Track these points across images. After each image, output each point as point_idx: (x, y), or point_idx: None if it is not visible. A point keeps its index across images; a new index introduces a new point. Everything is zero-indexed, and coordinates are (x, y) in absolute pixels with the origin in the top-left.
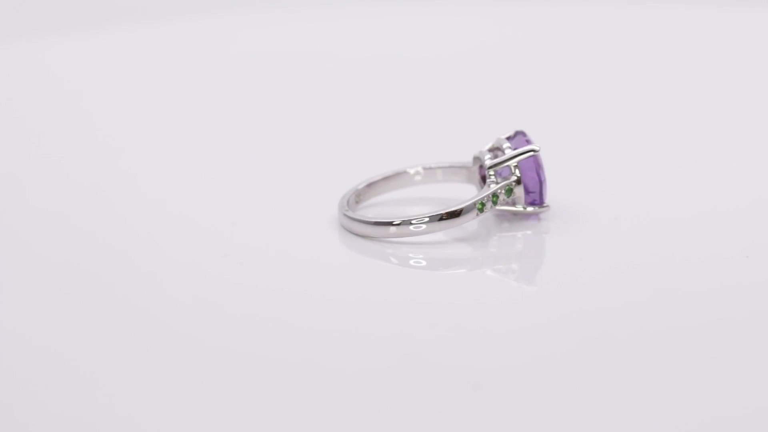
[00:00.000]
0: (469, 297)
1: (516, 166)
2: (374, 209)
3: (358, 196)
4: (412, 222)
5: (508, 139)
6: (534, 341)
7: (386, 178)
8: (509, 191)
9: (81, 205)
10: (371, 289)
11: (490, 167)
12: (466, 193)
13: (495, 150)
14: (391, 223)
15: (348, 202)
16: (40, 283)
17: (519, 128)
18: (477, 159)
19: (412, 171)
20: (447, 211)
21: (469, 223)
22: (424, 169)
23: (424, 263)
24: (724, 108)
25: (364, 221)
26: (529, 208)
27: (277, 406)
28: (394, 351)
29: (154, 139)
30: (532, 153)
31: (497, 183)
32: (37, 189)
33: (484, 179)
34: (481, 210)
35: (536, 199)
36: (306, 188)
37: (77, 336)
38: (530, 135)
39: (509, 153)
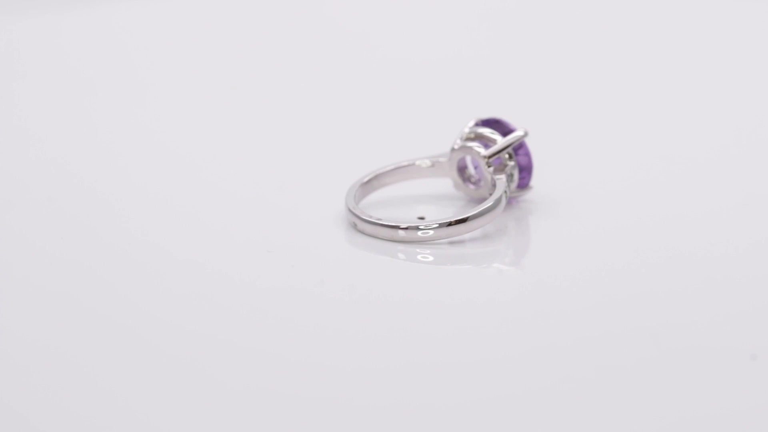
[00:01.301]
0: (474, 293)
1: (510, 152)
2: (382, 209)
3: (365, 187)
4: (420, 228)
5: (484, 125)
6: (537, 335)
7: (393, 170)
8: (511, 176)
9: (76, 199)
10: (379, 285)
11: (489, 156)
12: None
13: (476, 140)
14: (398, 227)
15: (355, 195)
16: (49, 284)
17: (480, 115)
18: (459, 150)
19: (420, 163)
20: (455, 218)
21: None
22: (432, 161)
23: (431, 258)
24: (708, 99)
25: (372, 222)
26: (518, 191)
27: (283, 399)
28: (397, 348)
29: (152, 135)
30: (524, 136)
31: (492, 172)
32: (38, 182)
33: (461, 171)
34: (506, 200)
35: (526, 181)
36: (309, 182)
37: (82, 334)
38: (493, 118)
39: (504, 140)
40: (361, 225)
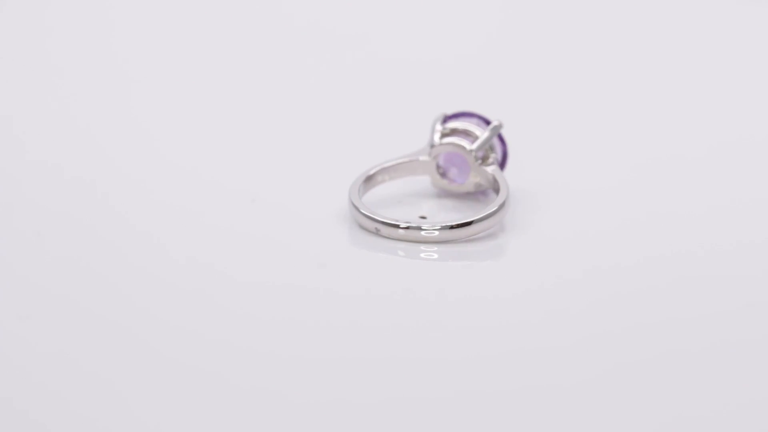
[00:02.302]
0: (479, 290)
1: (490, 145)
2: (386, 208)
3: (367, 183)
4: (424, 228)
5: (455, 119)
6: (537, 334)
7: (396, 165)
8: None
9: (74, 198)
10: (382, 281)
11: (478, 150)
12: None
13: (452, 135)
14: (398, 226)
15: (359, 189)
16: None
17: (445, 111)
18: (441, 146)
19: (423, 158)
20: (457, 222)
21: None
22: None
23: (435, 256)
24: (689, 96)
25: (375, 219)
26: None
27: (284, 399)
28: (396, 345)
29: (148, 133)
30: (501, 126)
31: (480, 166)
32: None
33: (436, 167)
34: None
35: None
36: (311, 178)
37: (85, 335)
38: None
39: (488, 132)
40: (364, 221)
